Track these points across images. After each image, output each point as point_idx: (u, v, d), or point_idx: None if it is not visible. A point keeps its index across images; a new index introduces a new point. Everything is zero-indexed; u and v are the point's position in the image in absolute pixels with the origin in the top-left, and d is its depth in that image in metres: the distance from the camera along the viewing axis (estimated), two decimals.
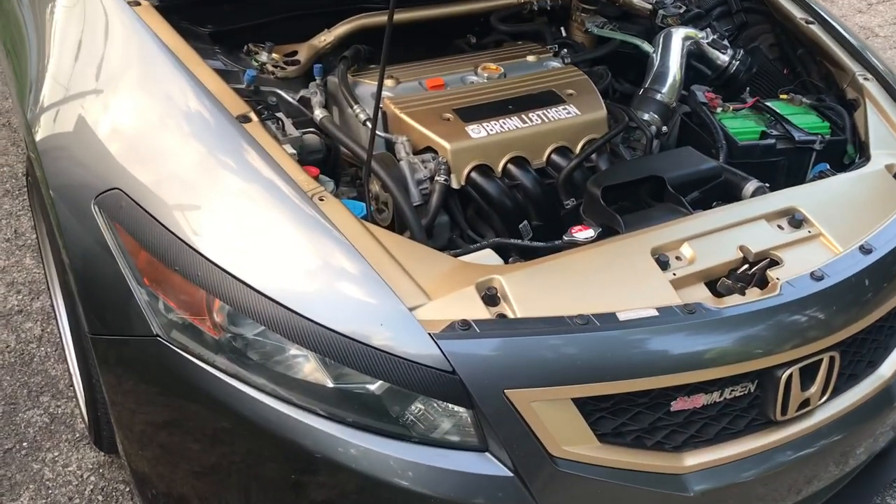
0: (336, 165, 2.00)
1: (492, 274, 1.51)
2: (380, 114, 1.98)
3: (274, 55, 2.13)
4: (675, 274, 1.58)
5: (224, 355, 1.50)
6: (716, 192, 1.89)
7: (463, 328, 1.41)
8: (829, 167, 2.08)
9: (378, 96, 1.63)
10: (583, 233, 1.67)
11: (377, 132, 1.93)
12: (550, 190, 1.94)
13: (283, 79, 2.08)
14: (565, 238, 1.67)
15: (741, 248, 1.64)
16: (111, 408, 1.79)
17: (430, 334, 1.40)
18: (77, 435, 2.34)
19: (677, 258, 1.62)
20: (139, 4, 1.97)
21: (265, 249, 1.52)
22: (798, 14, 2.43)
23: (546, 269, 1.55)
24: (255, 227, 1.54)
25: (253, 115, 1.70)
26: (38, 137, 1.90)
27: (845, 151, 2.15)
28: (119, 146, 1.70)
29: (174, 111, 1.72)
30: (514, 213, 1.89)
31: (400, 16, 2.25)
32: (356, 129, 1.99)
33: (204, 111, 1.69)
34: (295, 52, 2.15)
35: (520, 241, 1.70)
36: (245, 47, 2.15)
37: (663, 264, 1.59)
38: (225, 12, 2.15)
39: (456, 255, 1.61)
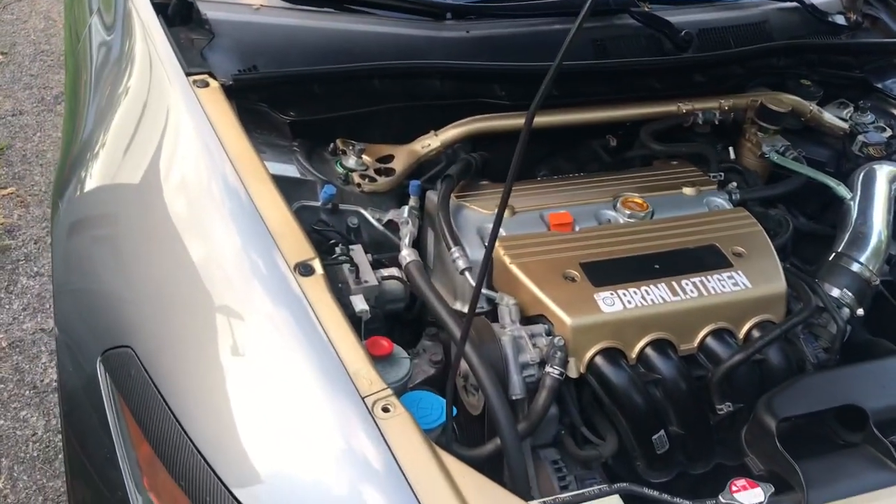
0: (422, 314, 1.57)
1: None
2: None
3: (365, 158, 1.71)
4: None
5: None
6: None
7: None
8: None
9: (483, 268, 1.18)
10: (747, 494, 1.17)
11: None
12: (700, 388, 1.45)
13: (371, 193, 1.66)
14: (722, 499, 1.17)
15: None
16: None
17: None
18: None
19: None
20: (207, 85, 1.60)
21: (295, 479, 1.10)
22: None
23: None
24: (288, 447, 1.12)
25: (317, 265, 1.28)
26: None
27: None
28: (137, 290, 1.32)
29: (215, 250, 1.33)
30: (648, 418, 1.41)
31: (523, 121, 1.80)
32: (451, 275, 1.54)
33: (254, 258, 1.29)
34: (391, 157, 1.73)
35: (657, 493, 1.21)
36: (332, 145, 1.74)
37: None
38: (313, 94, 1.75)
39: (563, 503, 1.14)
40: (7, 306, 2.89)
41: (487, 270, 1.53)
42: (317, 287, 1.26)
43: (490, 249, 1.14)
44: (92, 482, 1.39)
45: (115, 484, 1.29)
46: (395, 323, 1.58)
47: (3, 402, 2.52)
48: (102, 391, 1.27)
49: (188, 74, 1.61)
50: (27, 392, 2.55)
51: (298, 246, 1.31)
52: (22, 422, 2.45)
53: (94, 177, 1.67)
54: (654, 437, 1.41)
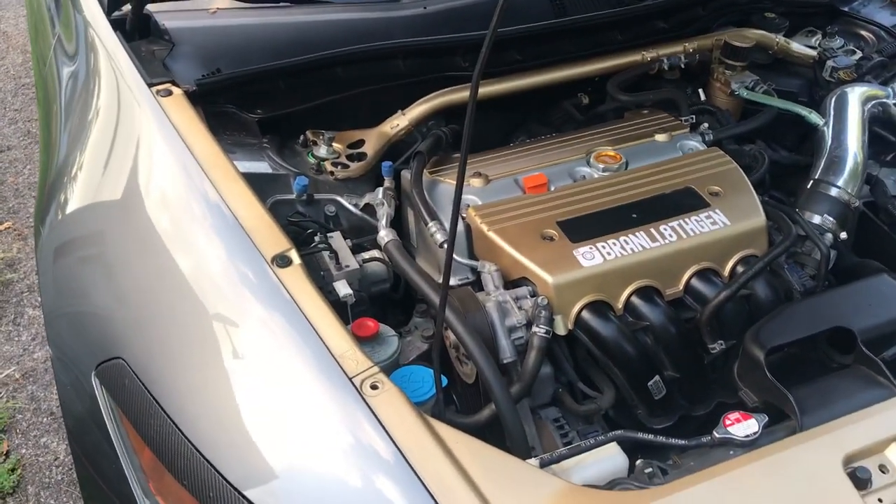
0: (408, 292, 1.59)
1: None
2: (463, 228, 1.55)
3: (336, 145, 1.72)
4: (880, 500, 1.08)
5: None
6: None
7: None
8: None
9: (452, 235, 1.19)
10: (741, 426, 1.18)
11: (457, 258, 1.50)
12: (690, 329, 1.46)
13: (345, 179, 1.67)
14: (717, 434, 1.19)
15: None
16: None
17: None
18: None
19: (882, 469, 1.12)
20: (170, 94, 1.61)
21: (291, 463, 1.11)
22: None
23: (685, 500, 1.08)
24: (282, 435, 1.13)
25: (293, 255, 1.30)
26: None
27: None
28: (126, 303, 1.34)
29: (197, 255, 1.34)
30: (641, 365, 1.42)
31: (489, 88, 1.81)
32: (433, 251, 1.55)
33: (234, 257, 1.30)
34: (361, 142, 1.74)
35: (652, 436, 1.22)
36: (302, 137, 1.75)
37: (862, 482, 1.09)
38: (279, 90, 1.76)
39: (560, 459, 1.16)
40: (16, 338, 2.92)
41: (468, 240, 1.55)
42: (296, 277, 1.27)
43: (455, 218, 1.15)
44: (109, 501, 1.41)
45: (130, 501, 1.31)
46: (385, 304, 1.59)
47: (23, 431, 2.55)
48: (101, 404, 1.29)
49: (150, 85, 1.62)
50: (45, 419, 2.58)
51: (273, 239, 1.32)
52: (43, 448, 2.49)
53: (74, 198, 1.68)
54: (650, 383, 1.42)
